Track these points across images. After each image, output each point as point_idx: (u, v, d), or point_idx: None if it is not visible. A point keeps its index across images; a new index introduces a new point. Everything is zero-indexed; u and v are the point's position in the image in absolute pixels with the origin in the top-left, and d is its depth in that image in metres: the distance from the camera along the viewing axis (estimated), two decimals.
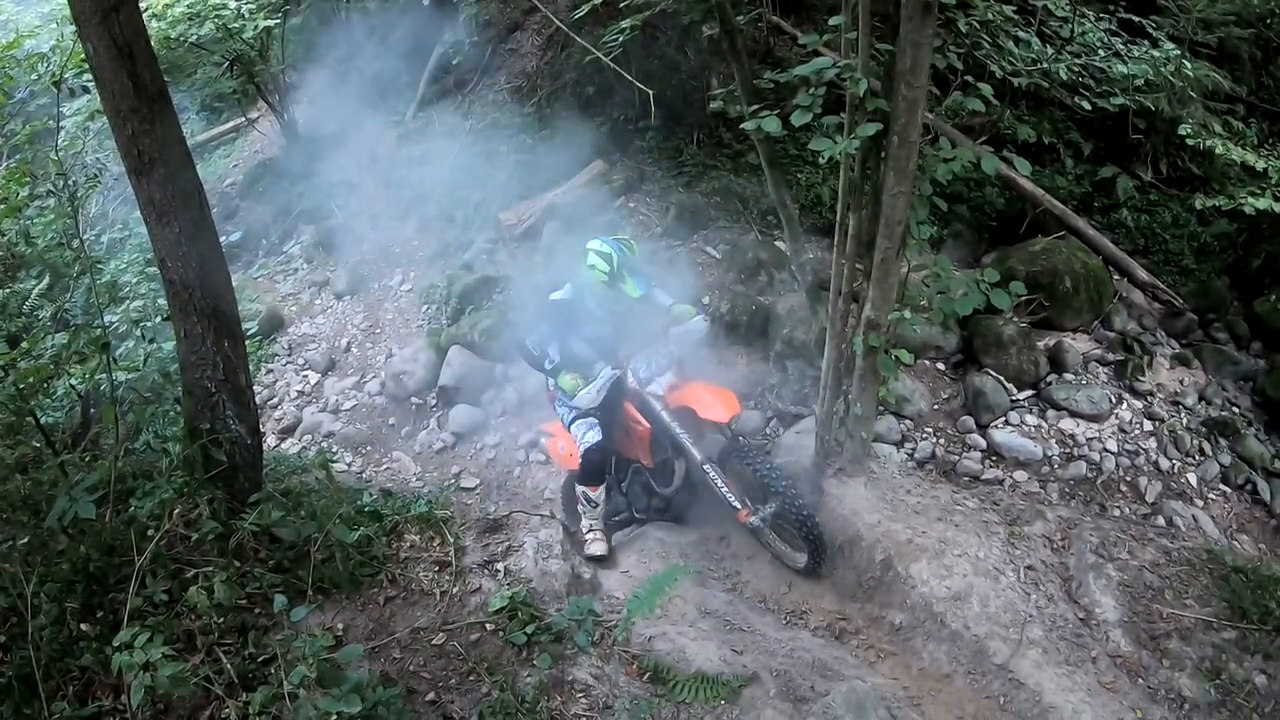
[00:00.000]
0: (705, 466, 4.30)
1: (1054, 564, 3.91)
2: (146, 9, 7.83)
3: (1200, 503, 5.29)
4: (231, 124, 10.79)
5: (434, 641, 3.12)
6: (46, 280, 6.02)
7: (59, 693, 2.69)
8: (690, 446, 4.36)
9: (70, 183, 3.86)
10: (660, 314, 4.74)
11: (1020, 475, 5.30)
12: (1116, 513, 5.09)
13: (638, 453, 4.72)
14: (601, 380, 4.38)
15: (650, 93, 4.27)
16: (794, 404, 5.69)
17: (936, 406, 5.69)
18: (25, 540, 3.02)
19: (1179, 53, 6.13)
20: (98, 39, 2.85)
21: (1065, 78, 5.44)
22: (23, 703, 2.63)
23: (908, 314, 3.78)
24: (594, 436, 4.54)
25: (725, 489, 4.25)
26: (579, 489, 4.60)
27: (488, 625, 3.21)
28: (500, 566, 3.65)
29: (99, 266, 5.17)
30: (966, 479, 5.23)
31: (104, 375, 3.62)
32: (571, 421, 4.65)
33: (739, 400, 4.46)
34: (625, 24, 4.68)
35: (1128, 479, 5.35)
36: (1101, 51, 5.84)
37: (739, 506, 4.22)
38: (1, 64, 5.44)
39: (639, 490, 4.91)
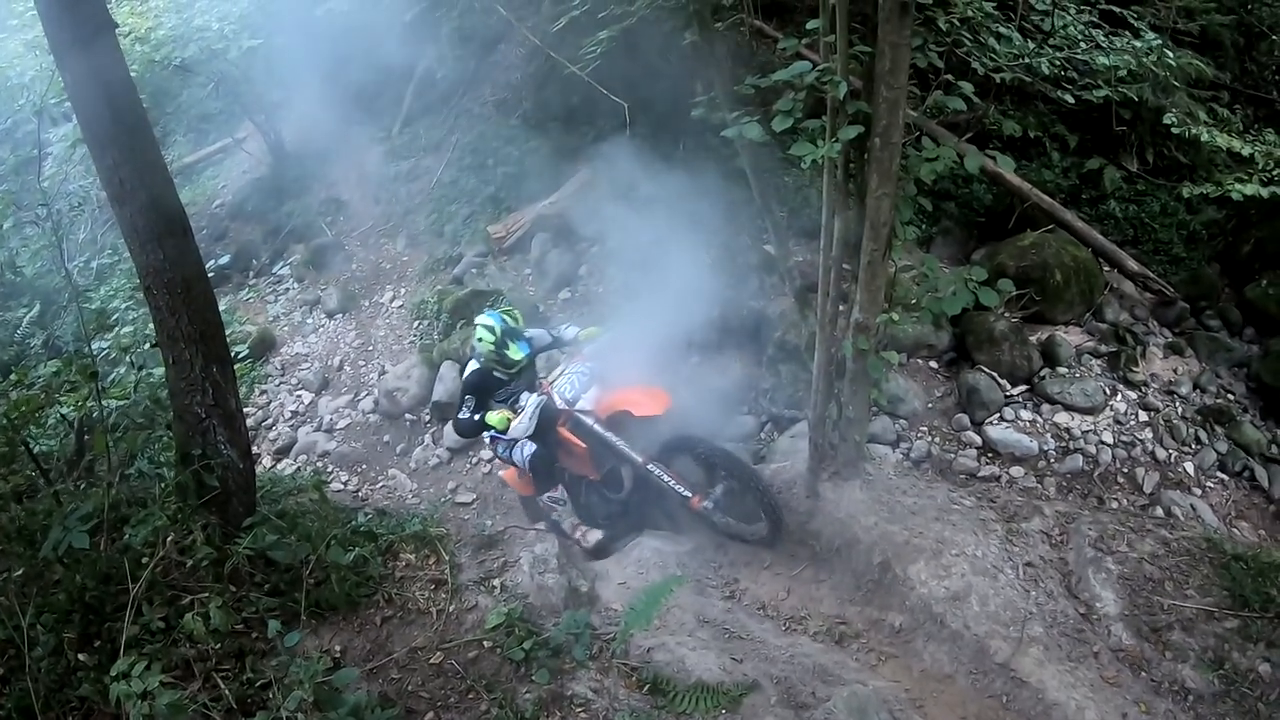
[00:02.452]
0: (649, 466, 4.42)
1: (1053, 559, 3.89)
2: (130, 33, 7.85)
3: (1198, 491, 5.29)
4: (219, 144, 10.78)
5: (432, 660, 3.11)
6: (37, 308, 6.03)
7: None
8: (630, 452, 4.47)
9: (54, 211, 3.85)
10: (574, 348, 4.91)
11: (1017, 471, 5.30)
12: (1114, 505, 5.08)
13: (583, 468, 4.81)
14: (530, 408, 4.42)
15: (626, 105, 4.26)
16: (788, 408, 5.68)
17: (930, 405, 5.68)
18: (21, 571, 3.01)
19: (1161, 42, 6.13)
20: (75, 68, 2.86)
21: (1048, 72, 5.44)
22: None
23: (896, 316, 3.77)
24: (530, 447, 4.64)
25: (673, 482, 4.37)
26: (543, 501, 4.84)
27: (485, 642, 3.20)
28: (496, 583, 3.64)
29: (88, 294, 5.16)
30: (963, 477, 5.22)
31: (94, 403, 3.61)
32: (508, 452, 4.75)
33: (670, 397, 4.55)
34: (603, 35, 4.67)
35: (1125, 470, 5.34)
36: (1083, 44, 5.83)
37: (689, 495, 4.33)
38: None
39: (595, 501, 5.00)
